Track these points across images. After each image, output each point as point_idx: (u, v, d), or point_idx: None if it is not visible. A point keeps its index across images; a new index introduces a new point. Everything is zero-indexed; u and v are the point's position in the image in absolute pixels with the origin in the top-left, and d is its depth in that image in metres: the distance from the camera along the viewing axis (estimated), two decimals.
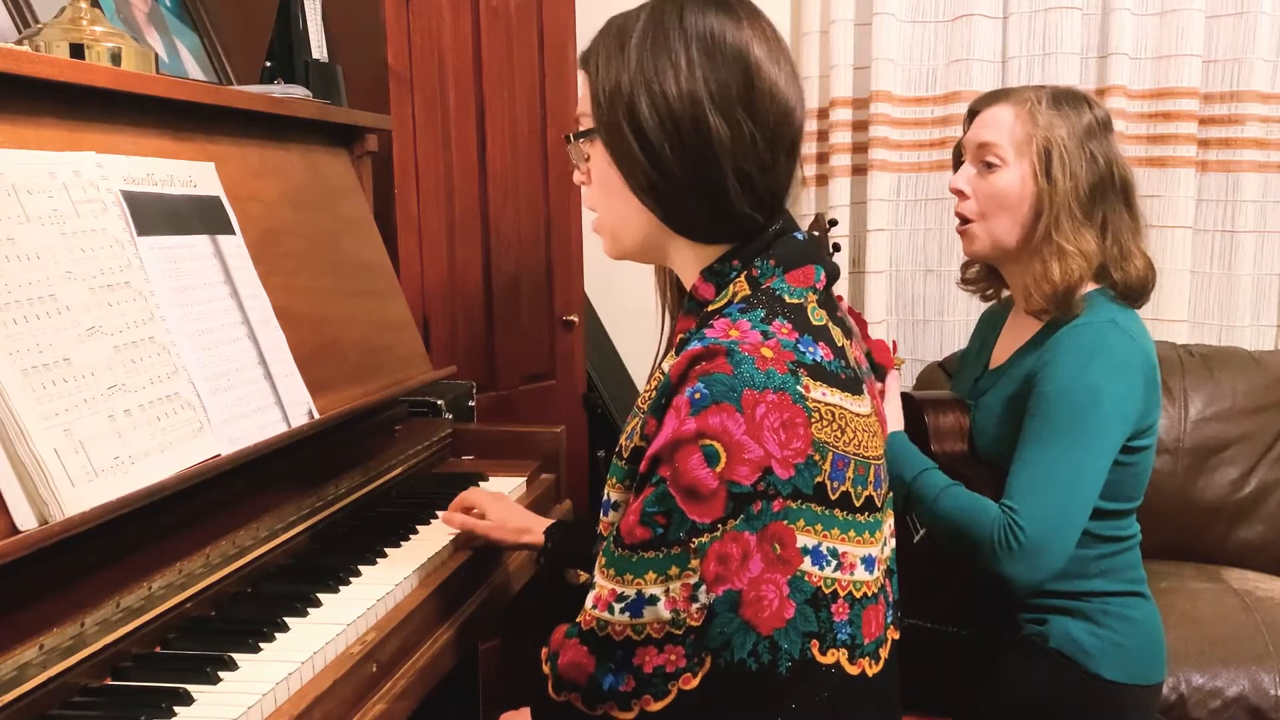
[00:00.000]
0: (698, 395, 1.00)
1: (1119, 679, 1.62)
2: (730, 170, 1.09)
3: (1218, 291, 2.93)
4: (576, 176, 1.21)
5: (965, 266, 1.89)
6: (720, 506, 0.99)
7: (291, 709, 1.06)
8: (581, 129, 1.17)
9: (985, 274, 1.85)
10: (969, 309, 2.97)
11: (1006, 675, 1.66)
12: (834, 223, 1.99)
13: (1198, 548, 2.60)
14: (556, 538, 1.46)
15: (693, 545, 0.99)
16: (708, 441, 0.99)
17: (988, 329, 1.88)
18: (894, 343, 2.99)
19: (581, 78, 1.16)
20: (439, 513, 1.59)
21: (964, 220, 1.73)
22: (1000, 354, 1.78)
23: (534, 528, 1.50)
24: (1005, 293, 1.85)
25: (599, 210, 1.19)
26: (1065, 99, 1.68)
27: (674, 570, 1.00)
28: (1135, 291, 1.67)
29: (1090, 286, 1.64)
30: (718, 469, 0.99)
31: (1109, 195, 1.65)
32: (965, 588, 1.71)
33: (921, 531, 1.69)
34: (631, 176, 1.12)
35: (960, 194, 1.72)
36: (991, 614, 1.70)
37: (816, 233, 1.95)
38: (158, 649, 1.16)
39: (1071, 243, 1.61)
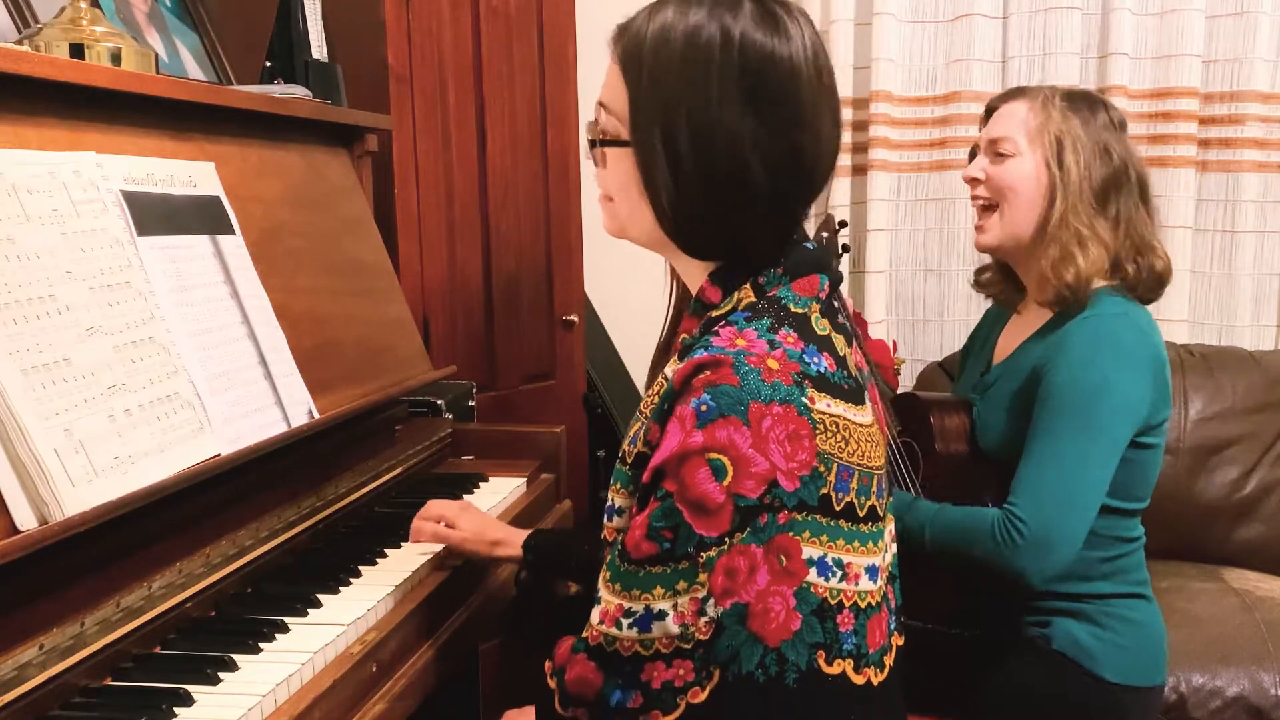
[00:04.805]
0: (704, 408, 0.99)
1: (1121, 681, 1.62)
2: (760, 214, 1.07)
3: (1218, 291, 2.94)
4: (587, 156, 1.15)
5: (979, 271, 1.90)
6: (727, 520, 0.98)
7: (291, 709, 1.06)
8: (604, 127, 1.10)
9: (999, 277, 1.84)
10: (969, 309, 2.97)
11: (1009, 676, 1.66)
12: (844, 224, 2.00)
13: (1198, 548, 2.60)
14: (537, 551, 1.42)
15: (701, 559, 0.98)
16: (715, 455, 0.98)
17: (993, 323, 1.89)
18: (894, 343, 2.99)
19: (612, 66, 1.09)
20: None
21: (981, 208, 1.73)
22: (1003, 349, 1.79)
23: (510, 540, 1.44)
24: (1018, 297, 1.82)
25: (615, 197, 1.14)
26: (1080, 98, 1.69)
27: (682, 585, 0.99)
28: (1151, 285, 1.67)
29: (1100, 283, 1.64)
30: (725, 482, 0.98)
31: (1123, 190, 1.65)
32: (962, 589, 1.71)
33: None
34: (654, 197, 1.08)
35: (973, 182, 1.73)
36: (994, 615, 1.70)
37: (825, 234, 1.96)
38: (158, 649, 1.16)
39: (1089, 229, 1.62)
